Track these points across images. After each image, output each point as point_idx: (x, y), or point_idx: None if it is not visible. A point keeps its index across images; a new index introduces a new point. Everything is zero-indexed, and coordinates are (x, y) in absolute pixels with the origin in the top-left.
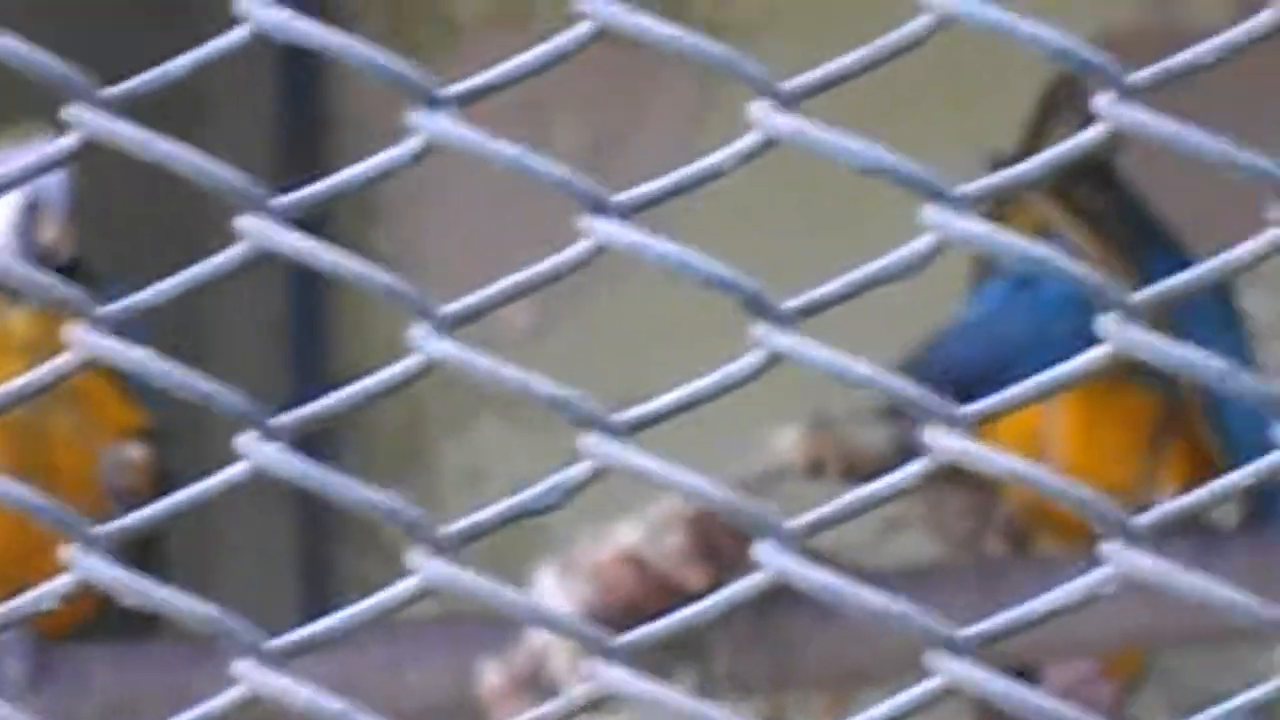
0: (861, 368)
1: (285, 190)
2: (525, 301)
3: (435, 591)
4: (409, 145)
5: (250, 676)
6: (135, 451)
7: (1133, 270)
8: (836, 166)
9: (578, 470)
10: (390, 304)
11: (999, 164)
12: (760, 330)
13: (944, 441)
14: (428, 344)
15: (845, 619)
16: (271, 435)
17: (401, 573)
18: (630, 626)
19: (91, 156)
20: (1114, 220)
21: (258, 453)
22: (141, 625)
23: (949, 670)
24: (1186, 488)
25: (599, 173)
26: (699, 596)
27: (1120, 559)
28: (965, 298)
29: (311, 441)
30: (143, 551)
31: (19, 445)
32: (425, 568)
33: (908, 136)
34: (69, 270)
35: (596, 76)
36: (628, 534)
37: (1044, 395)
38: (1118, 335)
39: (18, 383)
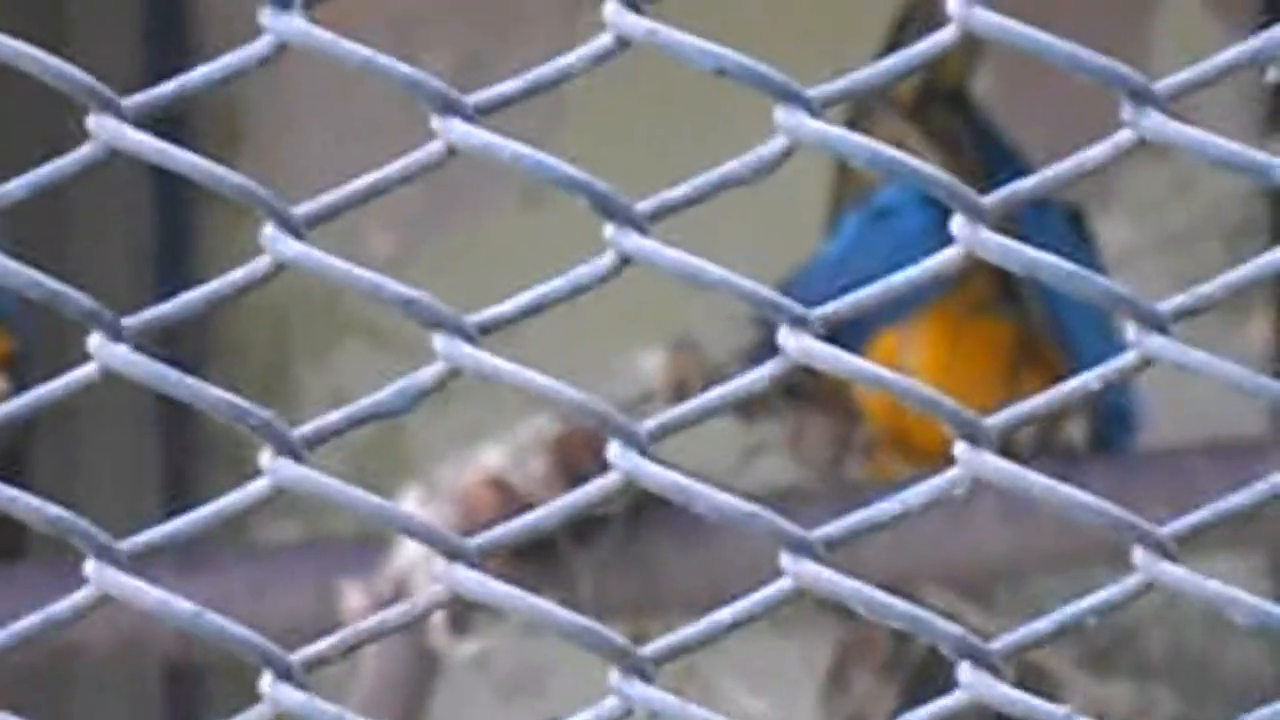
0: (713, 270)
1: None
2: (386, 229)
3: (285, 491)
4: (259, 45)
5: (100, 578)
6: None
7: (985, 190)
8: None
9: (428, 372)
10: (243, 204)
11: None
12: (611, 232)
13: (794, 342)
14: (280, 245)
15: (708, 543)
16: (120, 336)
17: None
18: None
19: None
20: (968, 143)
21: (107, 353)
22: (7, 549)
23: (799, 572)
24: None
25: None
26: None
27: (970, 460)
28: (822, 233)
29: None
30: (4, 469)
31: None
32: (276, 469)
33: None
34: None
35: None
36: (491, 458)
37: (895, 299)
38: (968, 237)
39: None
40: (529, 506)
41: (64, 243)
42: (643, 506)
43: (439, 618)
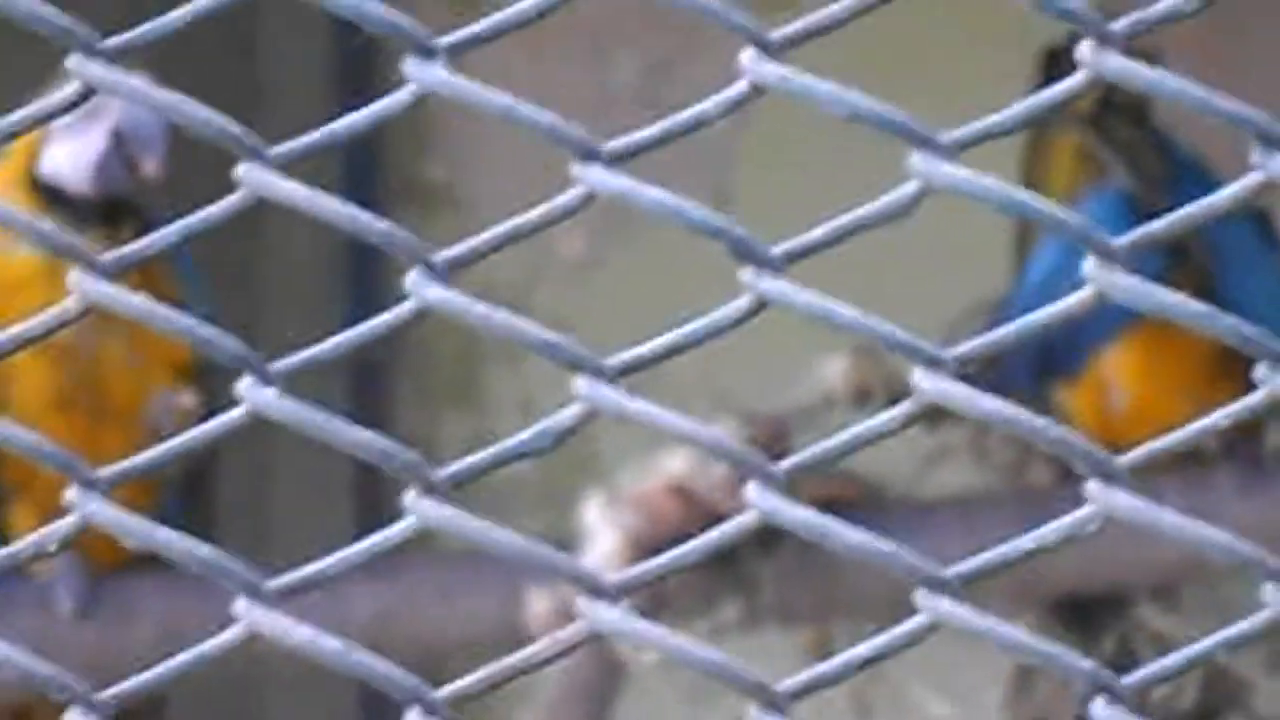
0: (846, 312)
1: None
2: (575, 234)
3: (429, 532)
4: (401, 95)
5: (249, 616)
6: (186, 398)
7: (1170, 201)
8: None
9: (569, 413)
10: (388, 249)
11: (1052, 59)
12: (748, 275)
13: (928, 383)
14: (424, 290)
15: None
16: (269, 380)
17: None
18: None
19: None
20: (1150, 153)
21: (255, 397)
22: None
23: (934, 608)
24: None
25: (654, 102)
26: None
27: (1102, 498)
28: (1015, 267)
29: (364, 373)
30: (191, 490)
31: (68, 370)
32: (419, 508)
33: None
34: (127, 206)
35: (650, 7)
36: (674, 464)
37: (1024, 338)
38: (1101, 278)
39: (13, 330)
40: (713, 514)
41: (256, 256)
42: (826, 512)
43: None
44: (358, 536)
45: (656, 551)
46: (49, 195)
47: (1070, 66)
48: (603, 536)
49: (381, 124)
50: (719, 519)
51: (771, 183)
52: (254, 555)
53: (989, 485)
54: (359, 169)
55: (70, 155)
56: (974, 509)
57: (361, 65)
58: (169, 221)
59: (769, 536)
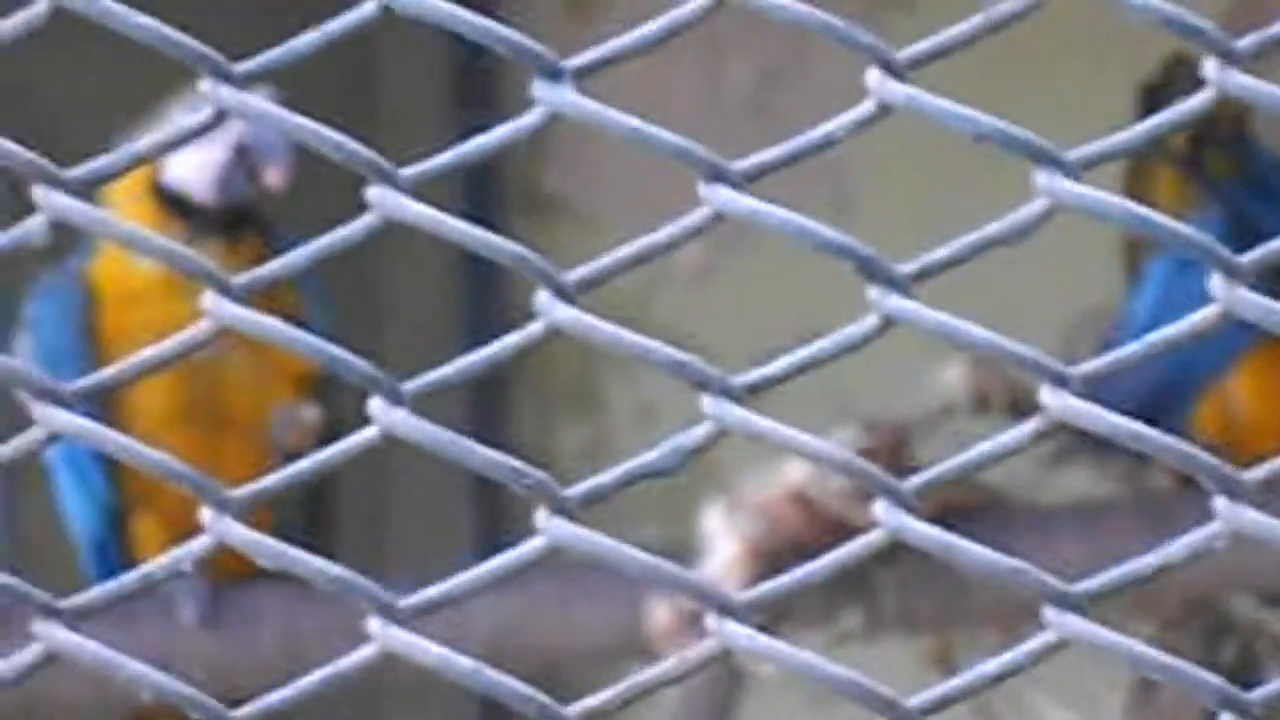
0: (972, 330)
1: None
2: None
3: (559, 550)
4: (530, 117)
5: (383, 635)
6: (307, 412)
7: (1262, 236)
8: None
9: (697, 432)
10: (520, 270)
11: (1149, 95)
12: (874, 294)
13: (1054, 401)
14: (553, 310)
15: (1013, 554)
16: (400, 401)
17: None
18: (797, 565)
19: None
20: (1241, 190)
21: (386, 417)
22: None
23: (1061, 625)
24: None
25: (766, 108)
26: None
27: (1229, 514)
28: (1125, 278)
29: (482, 383)
30: (312, 503)
31: (190, 382)
32: (549, 528)
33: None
34: (247, 215)
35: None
36: (795, 472)
37: (1151, 355)
38: (1226, 296)
39: (147, 353)
40: (833, 522)
41: (379, 276)
42: (948, 519)
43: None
44: (477, 547)
45: (776, 559)
46: (172, 204)
47: (1185, 82)
48: (723, 544)
49: (506, 148)
50: (839, 527)
51: (889, 188)
52: (373, 567)
53: (1109, 491)
54: (478, 181)
55: (194, 166)
56: (1094, 514)
57: (480, 85)
58: (290, 231)
59: (891, 545)
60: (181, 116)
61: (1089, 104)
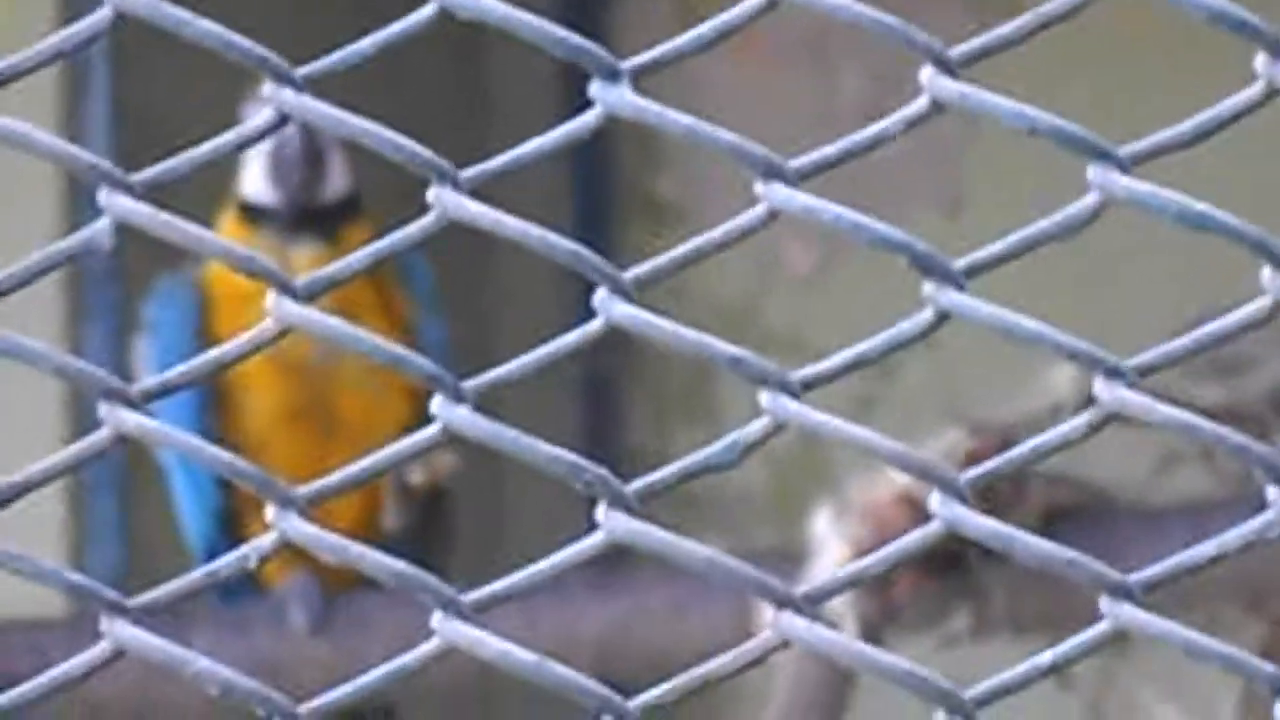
0: (1028, 324)
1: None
2: (807, 243)
3: (620, 546)
4: (588, 117)
5: (445, 630)
6: (444, 458)
7: None
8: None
9: (755, 427)
10: (574, 269)
11: None
12: (929, 289)
13: (1107, 393)
14: (611, 308)
15: (1122, 553)
16: (461, 398)
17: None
18: (905, 567)
19: None
20: None
21: (448, 415)
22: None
23: (1117, 615)
24: None
25: (880, 113)
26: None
27: None
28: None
29: (597, 388)
30: (428, 505)
31: (303, 389)
32: (609, 522)
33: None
34: (346, 205)
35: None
36: (903, 474)
37: (1203, 348)
38: (1274, 288)
39: (212, 354)
40: None
41: (489, 264)
42: (1054, 519)
43: (852, 629)
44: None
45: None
46: (254, 214)
47: None
48: (831, 547)
49: (572, 143)
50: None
51: (1001, 192)
52: (488, 577)
53: (1219, 492)
54: (591, 185)
55: (259, 173)
56: (1204, 515)
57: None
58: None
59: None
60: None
61: (1138, 99)
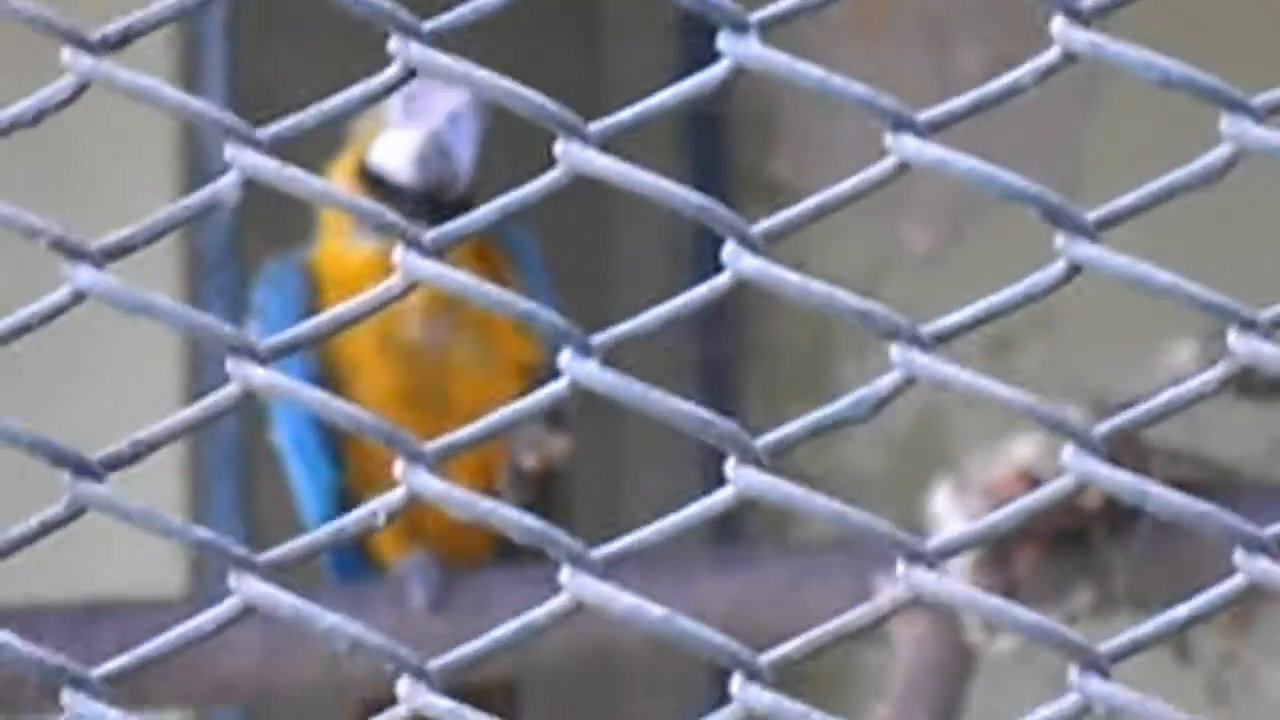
0: (1161, 276)
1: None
2: (922, 226)
3: (750, 499)
4: (716, 70)
5: (574, 584)
6: (556, 441)
7: None
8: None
9: (885, 381)
10: (705, 222)
11: None
12: (1062, 240)
13: (1243, 346)
14: (739, 261)
15: None
16: (589, 353)
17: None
18: (1026, 543)
19: None
20: None
21: (576, 369)
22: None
23: (1251, 568)
24: None
25: None
26: (1094, 514)
27: None
28: None
29: (712, 369)
30: (542, 488)
31: (415, 370)
32: (738, 477)
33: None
34: (461, 207)
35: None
36: (1022, 450)
37: None
38: None
39: (342, 308)
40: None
41: (608, 236)
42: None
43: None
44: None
45: (1003, 539)
46: (378, 186)
47: None
48: (950, 525)
49: (700, 100)
50: (1067, 506)
51: (1119, 177)
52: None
53: None
54: (705, 164)
55: (395, 148)
56: None
57: (706, 54)
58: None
59: (1121, 522)
60: (395, 97)
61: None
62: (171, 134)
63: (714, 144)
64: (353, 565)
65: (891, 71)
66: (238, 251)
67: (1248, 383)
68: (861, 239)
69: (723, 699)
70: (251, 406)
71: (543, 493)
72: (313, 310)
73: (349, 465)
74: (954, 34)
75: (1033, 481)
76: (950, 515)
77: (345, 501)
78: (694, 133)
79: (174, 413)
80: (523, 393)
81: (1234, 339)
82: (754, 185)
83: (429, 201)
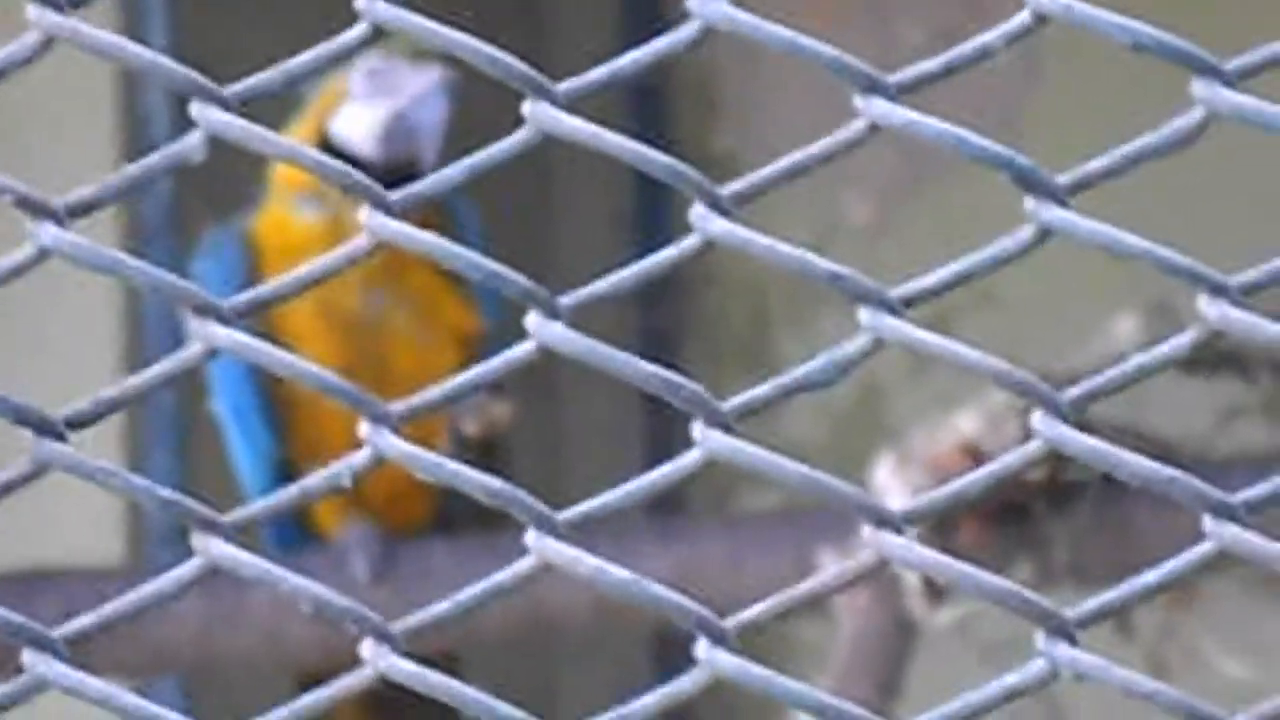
0: (1132, 240)
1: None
2: (864, 197)
3: (715, 462)
4: (686, 30)
5: (540, 548)
6: (499, 407)
7: None
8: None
9: (853, 345)
10: (674, 184)
11: None
12: (1031, 204)
13: (1213, 311)
14: (708, 224)
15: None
16: (556, 314)
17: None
18: (966, 517)
19: None
20: None
21: (543, 331)
22: (487, 523)
23: (1220, 534)
24: None
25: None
26: (1037, 487)
27: None
28: None
29: (653, 340)
30: (482, 455)
31: (355, 345)
32: (705, 440)
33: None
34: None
35: None
36: (965, 424)
37: None
38: None
39: (305, 268)
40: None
41: (548, 203)
42: None
43: (914, 585)
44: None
45: (947, 512)
46: (338, 157)
47: None
48: (893, 497)
49: (665, 62)
50: (1009, 479)
51: (1057, 115)
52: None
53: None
54: (647, 139)
55: (359, 122)
56: (1269, 467)
57: (647, 5)
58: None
59: (1062, 496)
60: (358, 72)
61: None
62: (110, 94)
63: (656, 117)
64: (293, 535)
65: (840, 47)
66: (177, 220)
67: (1194, 357)
68: (805, 209)
69: (663, 671)
70: (192, 375)
71: (483, 459)
72: (253, 279)
73: (289, 435)
74: (895, 12)
75: (976, 455)
76: (892, 488)
77: (285, 471)
78: (635, 106)
79: (114, 376)
80: (463, 362)
81: (1204, 304)
82: (695, 159)
83: (386, 179)
